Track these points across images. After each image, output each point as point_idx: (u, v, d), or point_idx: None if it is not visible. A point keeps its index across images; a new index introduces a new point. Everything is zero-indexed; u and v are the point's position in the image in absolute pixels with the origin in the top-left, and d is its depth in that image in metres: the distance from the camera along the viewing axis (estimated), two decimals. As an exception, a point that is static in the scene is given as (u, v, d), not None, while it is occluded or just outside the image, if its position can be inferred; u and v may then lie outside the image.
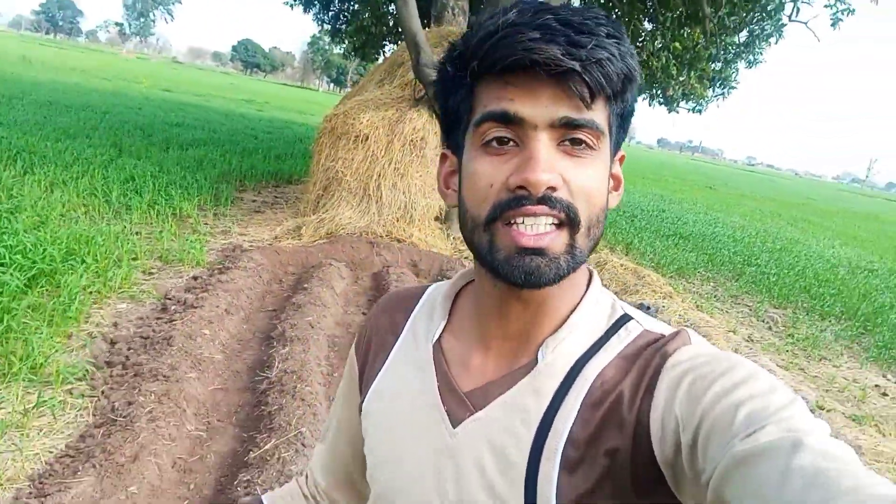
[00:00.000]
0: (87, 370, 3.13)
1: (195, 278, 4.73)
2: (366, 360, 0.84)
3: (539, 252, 0.61)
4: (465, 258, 6.53)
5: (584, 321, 0.69)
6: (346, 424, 0.89)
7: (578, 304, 0.69)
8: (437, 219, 6.79)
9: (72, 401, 2.91)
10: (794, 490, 0.46)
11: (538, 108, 0.61)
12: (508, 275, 0.62)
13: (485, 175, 0.63)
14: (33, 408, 2.76)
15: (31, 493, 2.26)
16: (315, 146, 7.00)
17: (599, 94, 0.61)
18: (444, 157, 0.74)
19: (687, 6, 9.05)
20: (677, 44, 9.13)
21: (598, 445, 0.62)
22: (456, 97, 0.67)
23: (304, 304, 4.30)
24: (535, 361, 0.68)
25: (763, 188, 39.18)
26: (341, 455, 0.91)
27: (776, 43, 8.82)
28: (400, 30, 12.38)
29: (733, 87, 11.20)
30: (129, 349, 3.43)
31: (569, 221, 0.62)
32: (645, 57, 9.26)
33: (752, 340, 5.91)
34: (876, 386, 5.23)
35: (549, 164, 0.61)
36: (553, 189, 0.61)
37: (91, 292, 4.00)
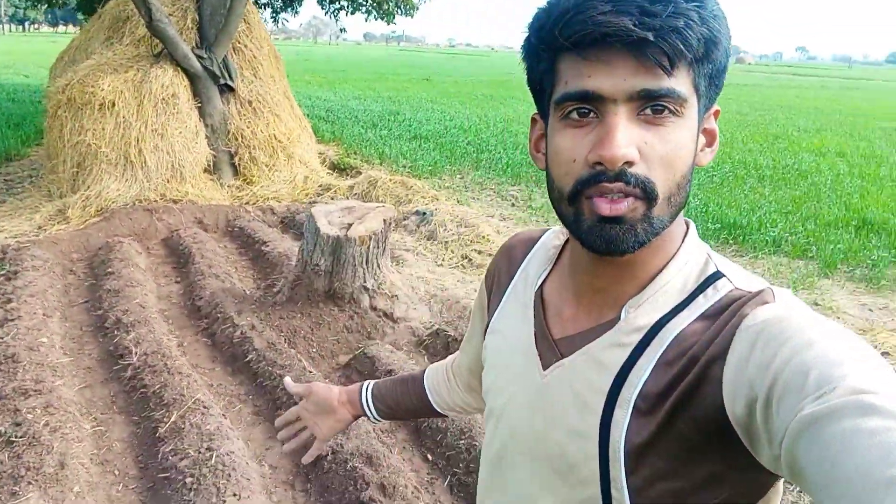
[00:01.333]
0: (-56, 409, 3.11)
1: (-20, 290, 4.49)
2: (490, 293, 0.95)
3: (618, 220, 0.65)
4: (245, 204, 6.77)
5: (673, 281, 0.71)
6: (474, 342, 1.03)
7: (667, 264, 0.72)
8: (206, 171, 6.85)
9: (-53, 441, 2.93)
10: (860, 451, 0.46)
11: (616, 81, 0.63)
12: (591, 244, 0.67)
13: (566, 149, 0.67)
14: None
15: (-23, 526, 2.43)
16: (50, 121, 6.52)
17: (680, 60, 0.62)
18: (534, 122, 0.78)
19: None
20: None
21: (668, 400, 0.65)
22: (539, 68, 0.70)
23: (122, 287, 4.40)
24: (619, 318, 0.72)
25: (469, 70, 42.21)
26: (468, 363, 1.08)
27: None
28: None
29: (436, -10, 12.16)
30: (-31, 378, 3.39)
31: (645, 196, 0.64)
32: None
33: (505, 219, 7.09)
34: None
35: (627, 139, 0.63)
36: (630, 164, 0.63)
37: None
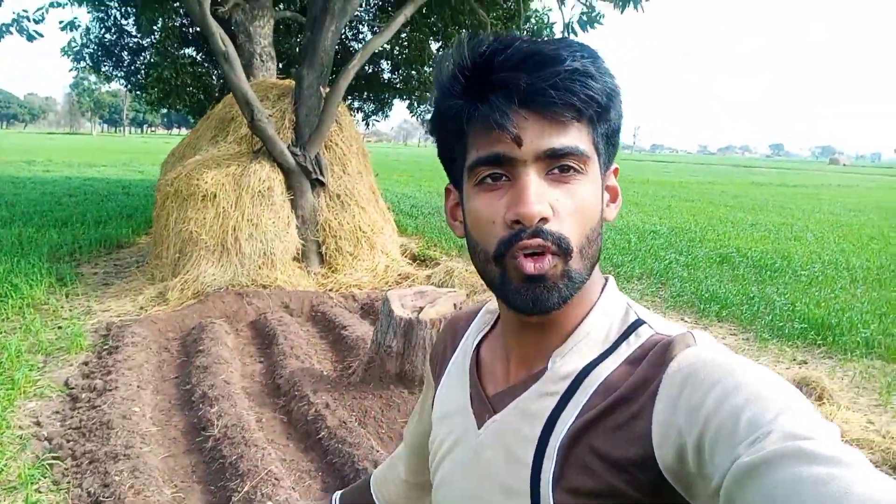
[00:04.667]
0: (44, 467, 3.36)
1: (86, 363, 4.87)
2: (434, 374, 0.96)
3: (541, 279, 0.67)
4: (329, 290, 7.09)
5: (595, 330, 0.73)
6: (414, 431, 1.04)
7: (588, 314, 0.74)
8: (295, 259, 7.26)
9: (43, 498, 3.16)
10: (805, 500, 0.46)
11: (524, 144, 0.66)
12: (518, 304, 0.70)
13: (484, 213, 0.70)
14: (13, 512, 2.99)
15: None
16: (158, 210, 7.16)
17: (580, 117, 0.67)
18: (448, 192, 0.81)
19: (469, 30, 10.26)
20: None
21: (595, 447, 0.66)
22: (449, 138, 0.74)
23: (210, 364, 4.67)
24: (546, 368, 0.73)
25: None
26: (409, 443, 1.06)
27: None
28: (200, 78, 12.49)
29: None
30: (67, 441, 3.66)
31: (560, 252, 0.67)
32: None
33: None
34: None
35: (539, 196, 0.66)
36: (545, 220, 0.66)
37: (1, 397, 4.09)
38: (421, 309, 4.10)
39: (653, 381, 0.65)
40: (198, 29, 11.61)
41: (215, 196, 6.79)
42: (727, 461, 0.53)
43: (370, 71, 12.92)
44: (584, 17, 8.68)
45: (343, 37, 12.26)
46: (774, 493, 0.48)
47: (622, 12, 8.12)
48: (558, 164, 0.68)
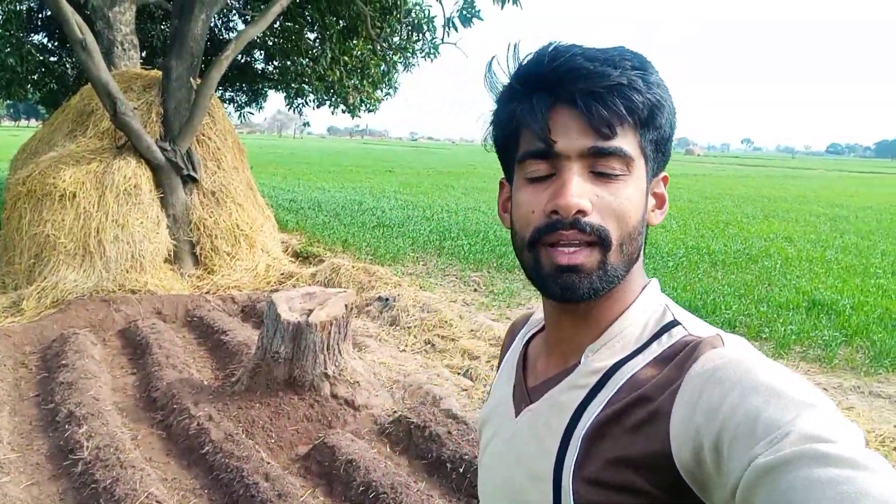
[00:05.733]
0: None
1: (-73, 386, 4.34)
2: (498, 370, 1.00)
3: (574, 269, 0.70)
4: (206, 293, 6.73)
5: (630, 328, 0.75)
6: None
7: (623, 312, 0.76)
8: (166, 261, 6.83)
9: None
10: (819, 500, 0.46)
11: (570, 140, 0.70)
12: (549, 290, 0.73)
13: (527, 203, 0.74)
14: None
15: None
16: (9, 212, 6.50)
17: (624, 122, 0.70)
18: (502, 185, 0.86)
19: (347, 21, 10.06)
20: (346, 57, 10.12)
21: (616, 442, 0.68)
22: (505, 135, 0.79)
23: (75, 380, 4.29)
24: (580, 363, 0.77)
25: (431, 161, 43.32)
26: None
27: (433, 60, 10.35)
28: (50, 67, 11.50)
29: (396, 88, 12.64)
30: None
31: (599, 242, 0.70)
32: (321, 72, 10.10)
33: (468, 304, 7.16)
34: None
35: (580, 190, 0.70)
36: (583, 213, 0.69)
37: None
38: (310, 311, 3.96)
39: (676, 380, 0.66)
40: (48, 13, 10.68)
41: (75, 196, 6.25)
42: (744, 461, 0.53)
43: (243, 61, 12.39)
44: (465, 13, 8.75)
45: (213, 26, 11.68)
46: (790, 493, 0.48)
47: (502, 8, 8.24)
48: (602, 164, 0.71)
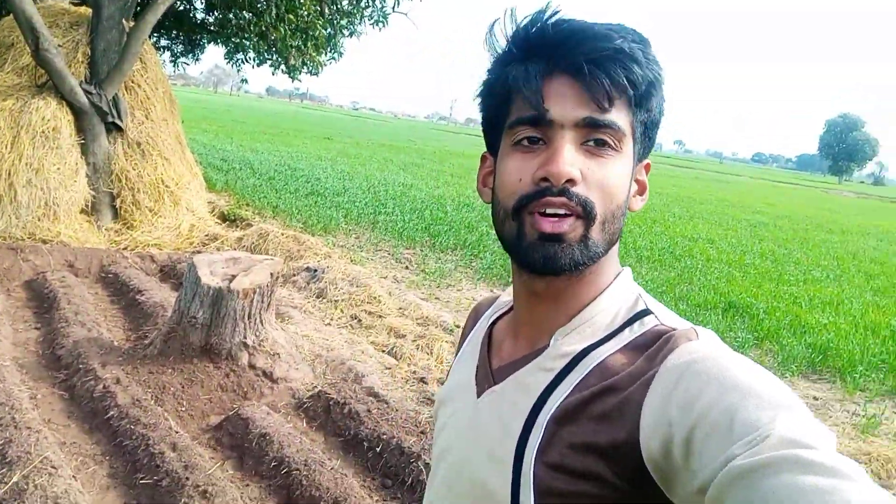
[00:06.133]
0: None
1: None
2: (456, 353, 0.98)
3: (557, 238, 0.69)
4: (123, 249, 6.41)
5: (602, 314, 0.74)
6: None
7: (596, 297, 0.75)
8: (83, 211, 6.46)
9: None
10: None
11: (565, 109, 0.69)
12: (530, 260, 0.71)
13: (515, 170, 0.72)
14: None
15: None
16: None
17: (621, 95, 0.69)
18: (483, 159, 0.83)
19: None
20: (291, 16, 9.76)
21: (581, 429, 0.67)
22: (495, 102, 0.76)
23: (-30, 331, 4.01)
24: (548, 346, 0.75)
25: (371, 133, 42.78)
26: None
27: (382, 28, 10.09)
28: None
29: (341, 53, 12.33)
30: None
31: (584, 214, 0.69)
32: (264, 28, 9.71)
33: (398, 280, 7.09)
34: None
35: (572, 159, 0.68)
36: (572, 182, 0.68)
37: None
38: (233, 277, 3.80)
39: (648, 371, 0.65)
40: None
41: (-15, 133, 5.81)
42: (720, 459, 0.53)
43: (182, 8, 11.78)
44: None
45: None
46: (771, 498, 0.48)
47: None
48: (595, 136, 0.70)
